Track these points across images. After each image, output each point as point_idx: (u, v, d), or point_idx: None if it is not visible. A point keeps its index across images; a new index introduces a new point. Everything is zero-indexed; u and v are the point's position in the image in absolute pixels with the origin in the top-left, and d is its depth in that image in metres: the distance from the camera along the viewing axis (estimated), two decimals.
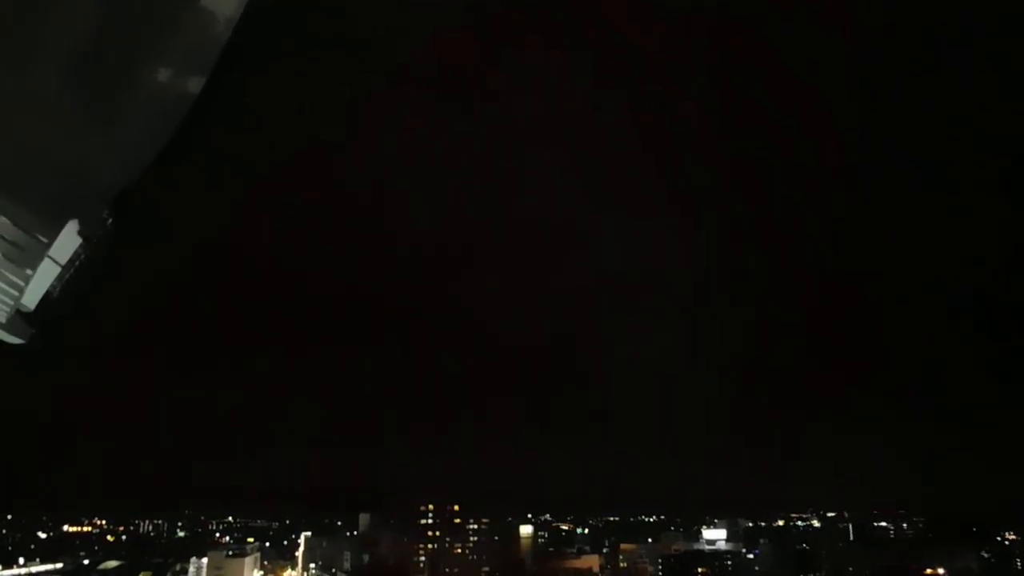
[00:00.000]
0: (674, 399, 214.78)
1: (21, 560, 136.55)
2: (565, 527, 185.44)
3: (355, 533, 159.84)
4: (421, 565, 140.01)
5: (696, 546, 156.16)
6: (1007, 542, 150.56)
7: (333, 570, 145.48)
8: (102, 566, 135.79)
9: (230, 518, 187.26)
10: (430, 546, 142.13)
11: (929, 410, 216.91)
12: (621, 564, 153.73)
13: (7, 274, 7.25)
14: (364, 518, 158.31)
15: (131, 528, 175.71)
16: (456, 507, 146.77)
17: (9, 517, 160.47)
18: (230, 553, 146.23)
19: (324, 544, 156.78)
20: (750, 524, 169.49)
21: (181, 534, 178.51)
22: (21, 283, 7.34)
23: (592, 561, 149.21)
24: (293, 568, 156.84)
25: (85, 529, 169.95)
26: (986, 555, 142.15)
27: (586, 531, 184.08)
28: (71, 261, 7.46)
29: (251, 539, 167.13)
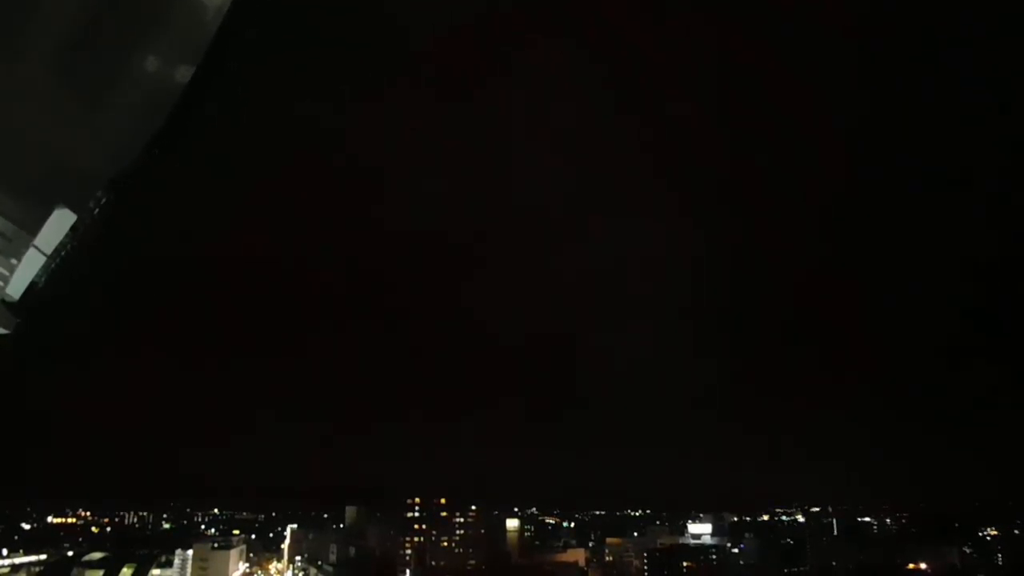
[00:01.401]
0: (661, 394, 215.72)
1: (4, 551, 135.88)
2: (551, 521, 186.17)
3: (341, 526, 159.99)
4: (408, 558, 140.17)
5: (682, 540, 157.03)
6: (988, 538, 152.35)
7: (319, 562, 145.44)
8: (87, 557, 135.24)
9: (216, 510, 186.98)
10: (417, 539, 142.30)
11: (914, 407, 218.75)
12: (607, 558, 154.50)
13: None
14: (351, 511, 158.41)
15: (116, 520, 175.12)
16: (443, 500, 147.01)
17: None
18: (215, 545, 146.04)
19: (310, 537, 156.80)
20: (735, 519, 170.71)
21: (166, 526, 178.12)
22: (6, 273, 7.32)
23: (578, 555, 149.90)
24: (279, 560, 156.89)
25: (70, 520, 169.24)
26: (968, 550, 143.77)
27: (572, 525, 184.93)
28: (57, 251, 7.44)
29: (237, 531, 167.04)
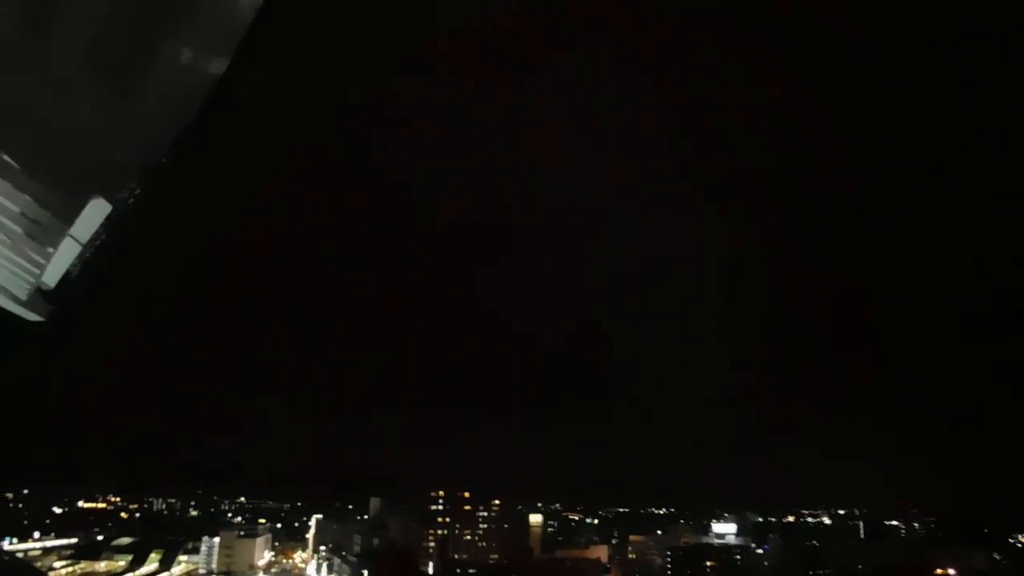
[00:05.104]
0: (687, 393, 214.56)
1: (36, 534, 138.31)
2: (575, 517, 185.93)
3: (366, 517, 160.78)
4: (430, 550, 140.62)
5: (705, 539, 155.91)
6: (1019, 544, 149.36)
7: (343, 552, 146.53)
8: (116, 542, 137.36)
9: (242, 498, 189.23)
10: (440, 531, 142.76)
11: (942, 410, 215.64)
12: (630, 555, 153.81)
13: (29, 252, 7.30)
14: (375, 502, 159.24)
15: (145, 506, 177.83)
16: (467, 494, 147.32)
17: (26, 492, 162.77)
18: (242, 533, 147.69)
19: (335, 527, 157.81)
20: (760, 519, 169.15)
21: (194, 513, 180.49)
22: (43, 261, 7.39)
23: (601, 551, 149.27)
24: (303, 550, 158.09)
25: (100, 506, 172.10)
26: (997, 556, 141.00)
27: (595, 522, 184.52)
28: (91, 240, 7.50)
29: (263, 520, 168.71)
